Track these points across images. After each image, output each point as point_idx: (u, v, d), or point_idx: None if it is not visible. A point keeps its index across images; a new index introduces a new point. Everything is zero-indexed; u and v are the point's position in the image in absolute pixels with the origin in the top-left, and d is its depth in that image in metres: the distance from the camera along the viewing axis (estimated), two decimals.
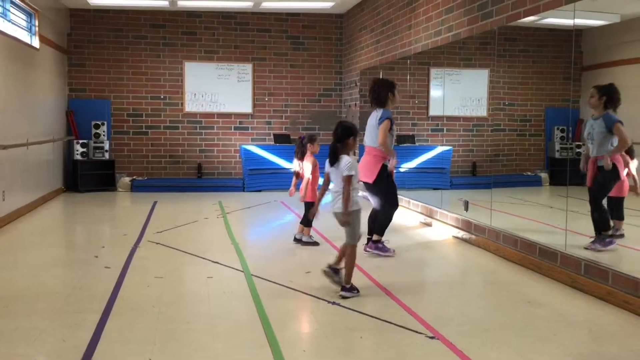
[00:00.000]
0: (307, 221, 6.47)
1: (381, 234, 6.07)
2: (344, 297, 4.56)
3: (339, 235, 4.99)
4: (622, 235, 5.58)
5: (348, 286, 4.64)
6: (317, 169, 6.49)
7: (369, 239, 6.11)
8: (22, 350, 3.57)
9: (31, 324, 4.00)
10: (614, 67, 6.88)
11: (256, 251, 6.41)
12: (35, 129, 9.22)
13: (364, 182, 5.98)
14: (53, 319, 4.11)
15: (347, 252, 4.69)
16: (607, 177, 5.47)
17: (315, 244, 6.49)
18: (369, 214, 6.14)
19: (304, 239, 6.52)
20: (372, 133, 6.03)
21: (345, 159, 4.62)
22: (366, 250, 6.02)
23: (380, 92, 6.06)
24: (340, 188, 4.64)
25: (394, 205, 6.15)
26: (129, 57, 11.72)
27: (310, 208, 6.42)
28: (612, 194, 5.57)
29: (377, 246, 6.02)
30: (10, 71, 8.09)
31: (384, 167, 5.98)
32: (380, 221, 6.08)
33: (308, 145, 6.52)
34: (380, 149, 5.93)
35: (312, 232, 6.59)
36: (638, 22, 5.98)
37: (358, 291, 4.67)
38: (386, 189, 6.06)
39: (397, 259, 5.95)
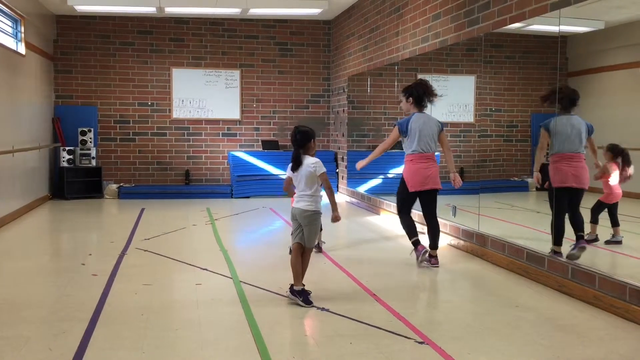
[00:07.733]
0: None
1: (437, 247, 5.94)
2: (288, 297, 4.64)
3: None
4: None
5: (298, 288, 4.61)
6: None
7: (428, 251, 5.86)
8: (8, 359, 3.53)
9: (17, 332, 3.96)
10: (598, 73, 6.95)
11: (245, 258, 6.39)
12: (20, 136, 9.15)
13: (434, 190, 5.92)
14: (39, 328, 4.06)
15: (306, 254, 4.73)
16: None
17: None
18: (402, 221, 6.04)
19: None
20: (434, 139, 5.89)
21: (311, 159, 4.68)
22: (433, 265, 5.80)
23: (431, 94, 5.92)
24: (306, 191, 4.66)
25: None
26: (116, 63, 11.68)
27: None
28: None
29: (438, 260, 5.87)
30: None
31: None
32: (437, 233, 5.93)
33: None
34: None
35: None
36: (622, 29, 6.05)
37: (306, 298, 4.57)
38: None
39: (385, 264, 5.95)
